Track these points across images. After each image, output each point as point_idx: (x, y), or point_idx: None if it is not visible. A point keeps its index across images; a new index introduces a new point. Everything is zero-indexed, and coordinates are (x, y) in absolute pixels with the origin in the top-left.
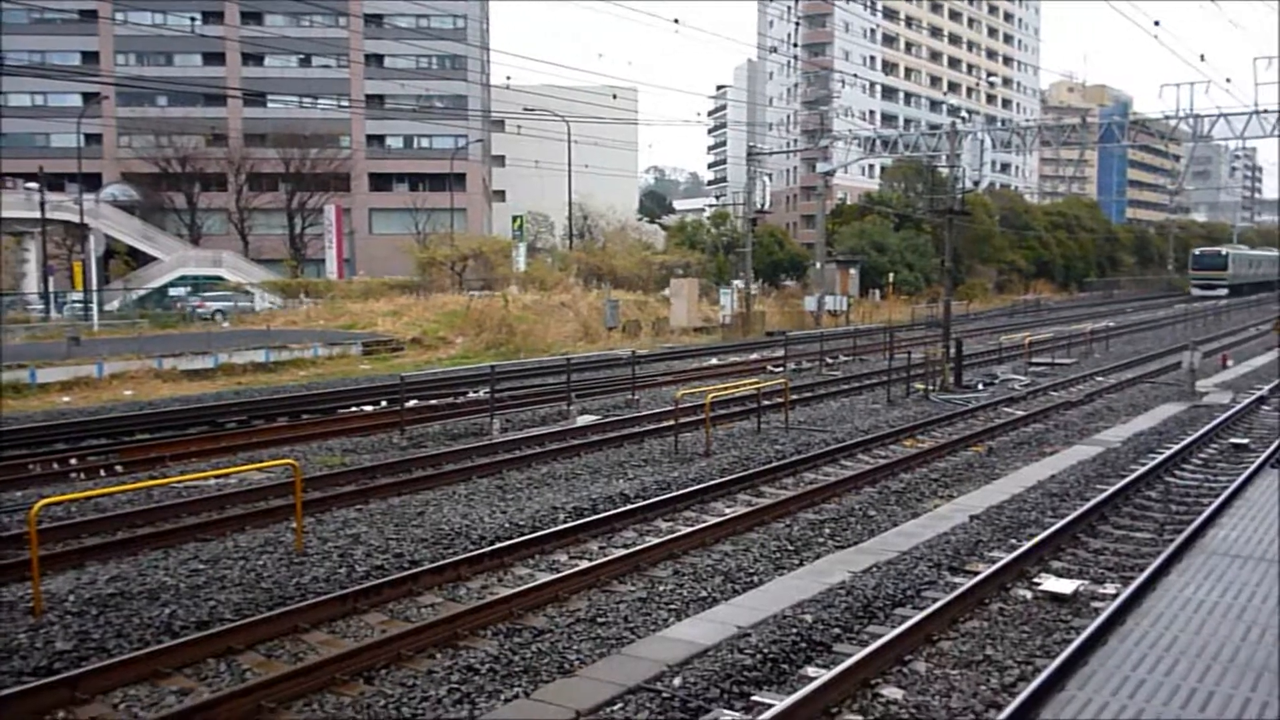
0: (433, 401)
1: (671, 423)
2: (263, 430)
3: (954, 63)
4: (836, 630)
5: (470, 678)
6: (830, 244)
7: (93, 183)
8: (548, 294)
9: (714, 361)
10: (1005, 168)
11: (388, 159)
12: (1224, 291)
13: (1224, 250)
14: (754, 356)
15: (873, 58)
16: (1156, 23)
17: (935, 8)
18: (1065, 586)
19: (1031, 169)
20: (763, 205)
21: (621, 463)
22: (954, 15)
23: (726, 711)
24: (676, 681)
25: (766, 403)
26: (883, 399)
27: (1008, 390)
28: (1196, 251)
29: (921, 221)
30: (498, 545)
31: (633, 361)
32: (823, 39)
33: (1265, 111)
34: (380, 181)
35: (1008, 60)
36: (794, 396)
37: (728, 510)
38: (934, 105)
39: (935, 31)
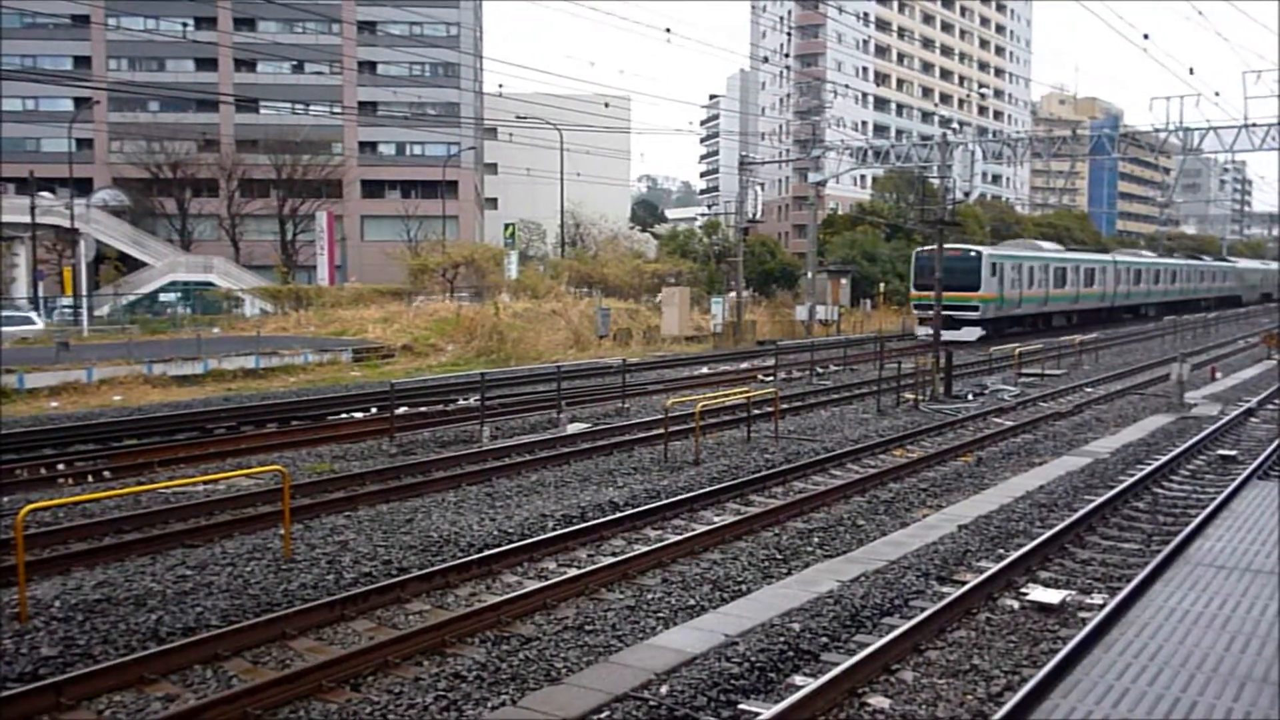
0: (423, 409)
1: (661, 431)
2: (252, 436)
3: (946, 74)
4: (824, 639)
5: (457, 685)
6: (821, 254)
7: (84, 188)
8: (539, 302)
9: (704, 370)
10: (996, 179)
11: (380, 166)
12: (975, 333)
13: (978, 251)
14: (744, 365)
15: (865, 69)
16: (1146, 36)
17: (927, 19)
18: (1052, 597)
19: (1022, 180)
20: (754, 214)
21: (611, 471)
22: (946, 27)
23: None
24: (664, 690)
25: (756, 412)
26: (873, 409)
27: (997, 401)
28: (920, 253)
29: (913, 232)
30: (486, 553)
31: (623, 370)
32: (815, 50)
33: (1254, 125)
34: (372, 188)
35: (999, 72)
36: (784, 406)
37: (716, 519)
38: (925, 116)
39: (927, 43)
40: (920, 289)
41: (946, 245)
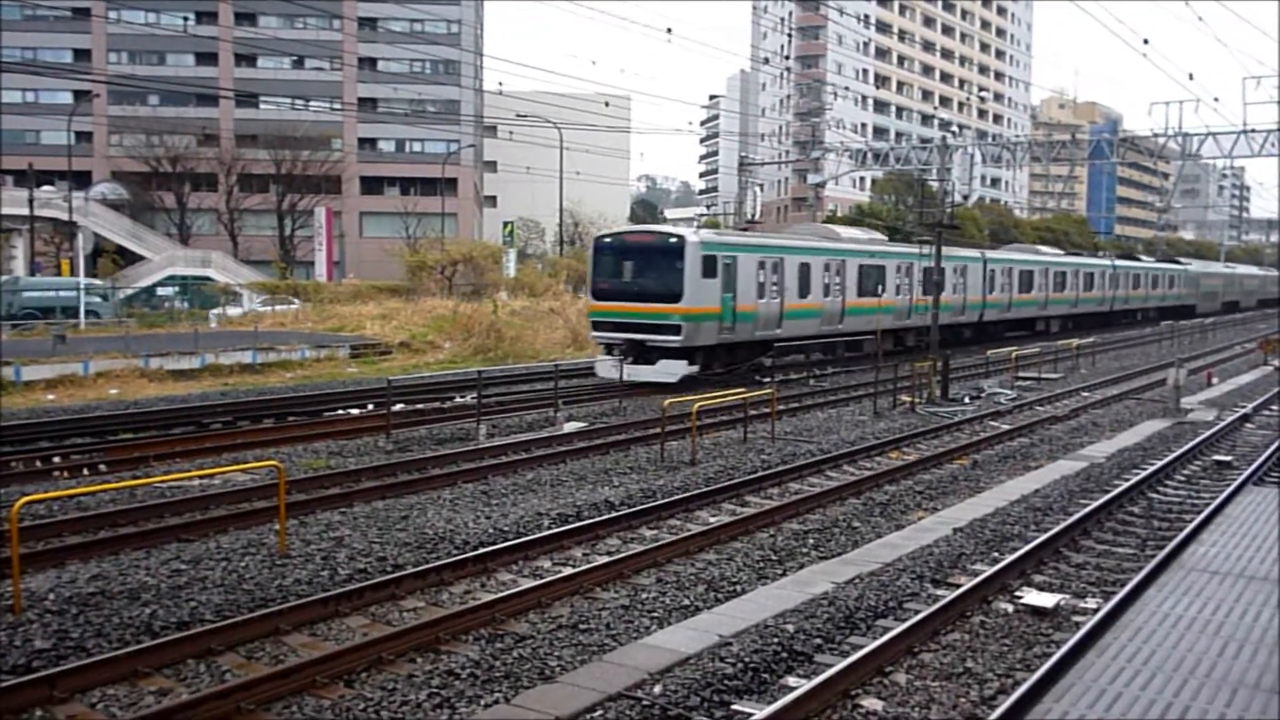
0: (419, 406)
1: (658, 431)
2: (248, 431)
3: (946, 77)
4: (818, 640)
5: (451, 682)
6: None
7: (83, 181)
8: (537, 300)
9: None
10: (995, 182)
11: (379, 162)
12: (676, 371)
13: (679, 236)
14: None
15: (865, 71)
16: (1146, 41)
17: (928, 22)
18: (1046, 600)
19: (1021, 184)
20: (753, 215)
21: (607, 470)
22: (946, 30)
23: None
24: (657, 689)
25: (753, 412)
26: (869, 411)
27: (994, 404)
28: (602, 239)
29: (911, 234)
30: (481, 550)
31: (621, 368)
32: (816, 51)
33: (1253, 131)
34: (371, 185)
35: (999, 76)
36: (780, 407)
37: (712, 519)
38: (925, 119)
39: (928, 46)
40: (602, 297)
41: (637, 228)
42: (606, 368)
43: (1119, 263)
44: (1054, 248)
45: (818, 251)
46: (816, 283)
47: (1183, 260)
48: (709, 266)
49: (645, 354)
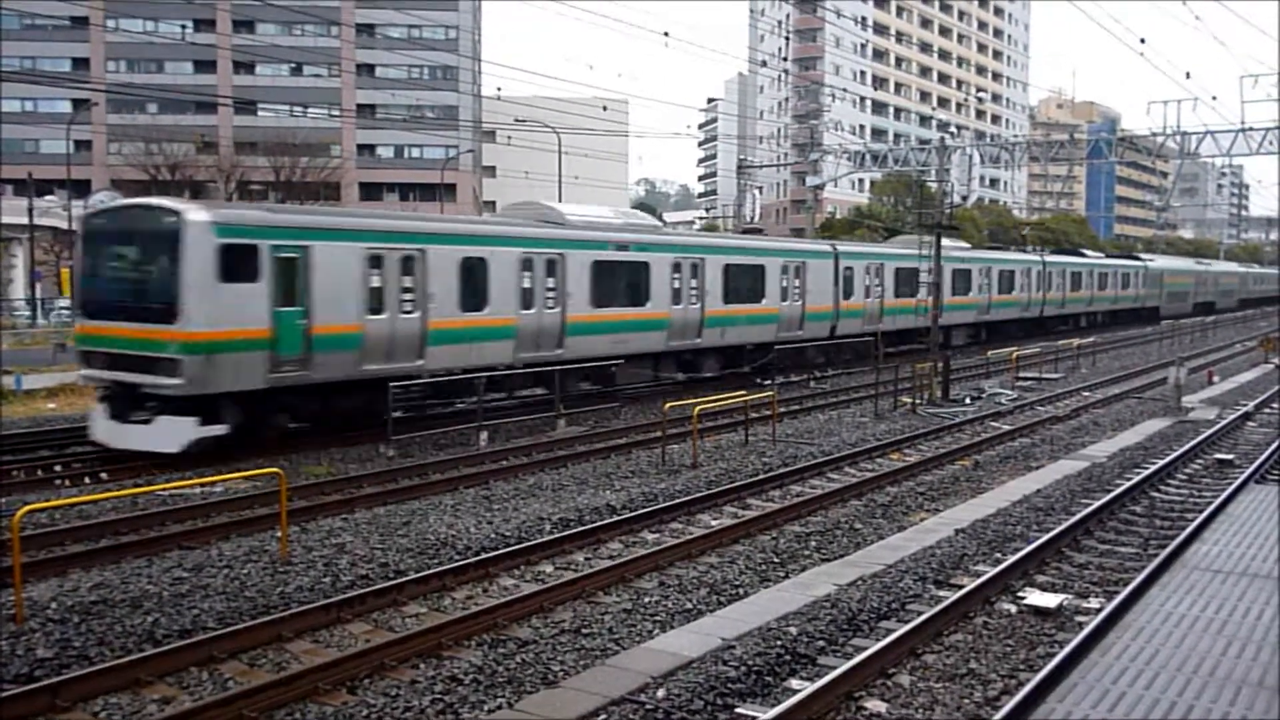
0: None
1: (659, 434)
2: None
3: (944, 78)
4: (821, 643)
5: (454, 688)
6: None
7: (82, 189)
8: None
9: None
10: (994, 183)
11: (378, 168)
12: (178, 434)
13: (175, 212)
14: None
15: (863, 73)
16: (1143, 40)
17: (925, 24)
18: (1049, 600)
19: (1020, 184)
20: (752, 218)
21: (608, 474)
22: (944, 31)
23: None
24: (661, 693)
25: (754, 415)
26: (870, 413)
27: (995, 405)
28: (95, 219)
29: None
30: (483, 556)
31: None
32: (814, 53)
33: (1252, 129)
34: (371, 191)
35: (997, 76)
36: (781, 409)
37: (714, 522)
38: (924, 120)
39: (925, 47)
40: (91, 313)
41: (129, 201)
42: (103, 426)
43: (1051, 258)
44: (961, 241)
45: (503, 241)
46: (504, 288)
47: (1143, 255)
48: (239, 264)
49: (141, 404)
